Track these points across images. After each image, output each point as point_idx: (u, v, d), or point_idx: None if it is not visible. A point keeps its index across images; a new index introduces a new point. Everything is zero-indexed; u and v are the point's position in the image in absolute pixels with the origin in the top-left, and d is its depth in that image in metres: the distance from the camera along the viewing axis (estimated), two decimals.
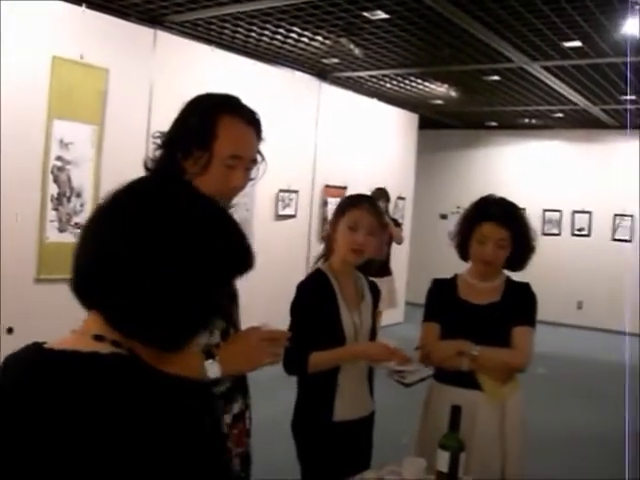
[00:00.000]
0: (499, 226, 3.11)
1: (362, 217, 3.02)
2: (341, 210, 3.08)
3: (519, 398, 3.20)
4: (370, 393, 3.19)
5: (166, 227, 1.21)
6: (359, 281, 3.20)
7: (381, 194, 8.74)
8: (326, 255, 3.17)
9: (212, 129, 2.07)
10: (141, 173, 2.07)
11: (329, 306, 3.00)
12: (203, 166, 2.06)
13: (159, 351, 1.26)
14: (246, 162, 2.14)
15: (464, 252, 3.28)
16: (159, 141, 2.14)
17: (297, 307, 3.02)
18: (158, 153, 2.13)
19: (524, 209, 3.63)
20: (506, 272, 3.32)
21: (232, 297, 2.21)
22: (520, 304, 3.19)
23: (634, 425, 6.59)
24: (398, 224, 9.18)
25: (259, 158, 2.19)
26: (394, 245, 8.99)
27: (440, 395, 3.16)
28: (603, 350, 10.93)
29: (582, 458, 6.01)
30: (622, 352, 10.01)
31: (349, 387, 3.03)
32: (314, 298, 3.01)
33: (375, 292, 3.29)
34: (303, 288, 3.06)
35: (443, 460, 2.41)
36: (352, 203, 3.09)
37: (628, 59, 7.66)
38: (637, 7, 6.10)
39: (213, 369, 1.92)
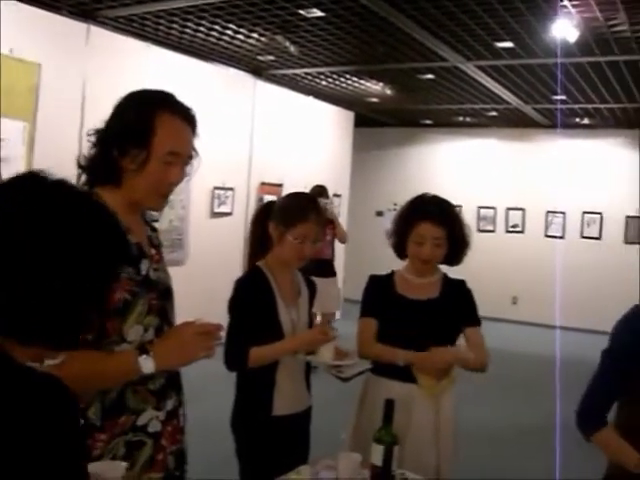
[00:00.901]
0: (435, 225, 3.15)
1: (310, 230, 3.03)
2: (288, 220, 3.03)
3: (453, 393, 3.24)
4: (307, 388, 3.20)
5: (36, 225, 1.20)
6: (295, 277, 3.21)
7: (321, 191, 8.64)
8: (259, 252, 3.17)
9: (150, 126, 2.05)
10: (74, 171, 2.05)
11: (267, 302, 3.01)
12: (141, 163, 2.05)
13: (41, 350, 1.26)
14: (184, 158, 2.13)
15: (401, 251, 3.30)
16: (93, 139, 2.11)
17: (235, 304, 3.03)
18: (93, 151, 2.11)
19: (460, 206, 3.67)
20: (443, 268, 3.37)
21: (166, 293, 2.20)
22: (462, 303, 3.26)
23: (564, 416, 6.73)
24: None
25: (194, 154, 2.19)
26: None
27: (376, 388, 3.18)
28: (537, 344, 11.16)
29: (516, 449, 6.13)
30: (555, 345, 10.24)
31: (287, 383, 3.04)
32: (252, 294, 3.02)
33: (311, 288, 3.30)
34: (241, 285, 3.06)
35: (377, 454, 2.43)
36: (300, 217, 3.02)
37: (558, 60, 7.82)
38: (566, 10, 6.23)
39: (147, 365, 1.92)
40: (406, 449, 2.84)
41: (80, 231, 1.25)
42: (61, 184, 1.30)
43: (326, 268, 8.23)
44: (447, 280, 3.32)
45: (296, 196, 3.34)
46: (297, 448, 3.11)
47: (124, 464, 1.58)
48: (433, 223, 3.15)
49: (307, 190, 9.60)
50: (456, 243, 3.25)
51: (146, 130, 2.05)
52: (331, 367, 2.99)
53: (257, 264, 3.12)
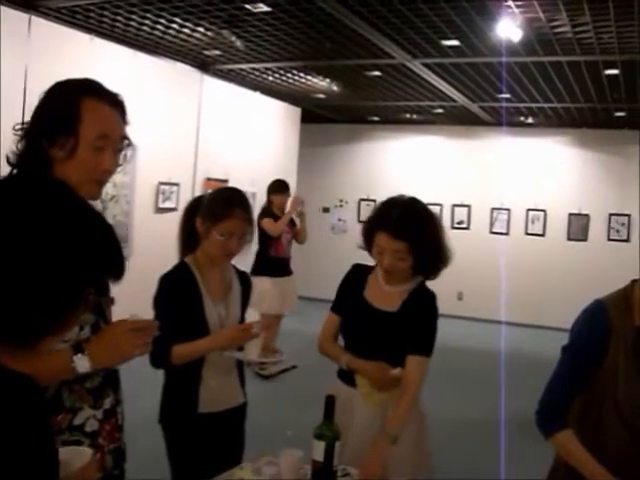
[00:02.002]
0: (393, 238, 2.90)
1: (236, 226, 3.01)
2: (214, 216, 3.01)
3: None
4: (241, 384, 3.19)
5: (17, 226, 1.19)
6: (227, 273, 3.18)
7: (281, 187, 8.35)
8: (189, 247, 3.15)
9: (76, 112, 2.03)
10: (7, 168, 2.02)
11: (192, 298, 3.00)
12: (70, 151, 2.02)
13: (13, 349, 1.23)
14: (114, 143, 2.09)
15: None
16: (20, 133, 2.07)
17: (159, 300, 3.02)
18: (20, 145, 2.07)
19: (440, 205, 3.29)
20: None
21: (103, 289, 2.17)
22: (419, 324, 3.00)
23: (510, 408, 6.84)
24: (294, 224, 8.49)
25: (126, 142, 2.15)
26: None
27: (330, 387, 3.10)
28: (482, 339, 11.36)
29: (463, 442, 6.23)
30: (500, 340, 10.41)
31: (214, 379, 3.03)
32: (176, 290, 3.00)
33: (245, 284, 3.28)
34: (165, 281, 3.05)
35: (319, 449, 2.44)
36: (226, 212, 3.01)
37: (503, 59, 7.92)
38: (510, 10, 6.30)
39: (82, 363, 1.89)
40: (349, 445, 2.85)
41: (68, 233, 1.24)
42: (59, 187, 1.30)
43: (284, 267, 8.20)
44: (417, 292, 3.07)
45: (223, 191, 3.33)
46: (230, 446, 3.10)
47: (90, 450, 1.55)
48: (391, 235, 2.91)
49: (255, 185, 9.61)
50: (426, 256, 2.98)
51: (72, 116, 2.02)
52: (256, 364, 2.99)
53: (184, 260, 3.11)
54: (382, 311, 3.04)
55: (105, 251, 1.32)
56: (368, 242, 3.06)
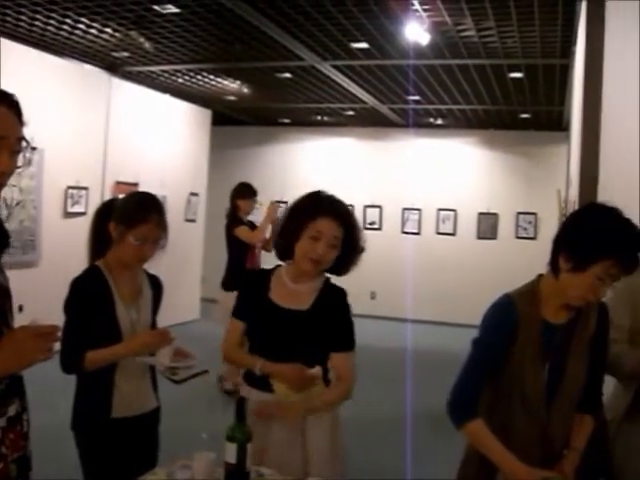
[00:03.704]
0: (336, 223, 2.90)
1: (151, 232, 2.97)
2: (129, 221, 2.95)
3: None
4: (154, 389, 3.15)
5: None
6: (138, 277, 3.15)
7: (248, 191, 7.61)
8: (99, 251, 3.10)
9: None
10: None
11: (104, 302, 2.95)
12: None
13: None
14: (10, 143, 2.02)
15: (286, 250, 3.00)
16: None
17: (70, 304, 2.96)
18: None
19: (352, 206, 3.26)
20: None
21: (4, 295, 2.11)
22: (336, 321, 2.98)
23: (420, 406, 6.95)
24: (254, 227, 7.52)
25: (24, 144, 2.09)
26: (185, 241, 8.60)
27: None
28: (395, 337, 11.50)
29: (376, 438, 6.31)
30: (412, 338, 10.58)
31: (127, 384, 2.99)
32: (88, 294, 2.95)
33: (157, 288, 3.24)
34: (76, 284, 2.99)
35: (231, 452, 2.43)
36: (141, 217, 2.95)
37: (411, 62, 8.05)
38: (418, 14, 6.41)
39: None
40: (269, 458, 2.82)
41: None
42: None
43: None
44: (326, 289, 3.02)
45: (138, 196, 3.27)
46: (144, 451, 3.07)
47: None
48: (333, 219, 2.90)
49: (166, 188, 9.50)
50: (350, 248, 2.99)
51: None
52: (166, 369, 2.95)
53: (95, 263, 3.06)
54: (293, 310, 2.97)
55: None
56: (295, 234, 2.94)
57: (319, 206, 2.95)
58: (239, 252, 7.23)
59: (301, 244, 2.91)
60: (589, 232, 2.40)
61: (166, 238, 3.10)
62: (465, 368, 2.57)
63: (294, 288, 3.00)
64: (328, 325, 2.95)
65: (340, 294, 3.03)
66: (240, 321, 3.05)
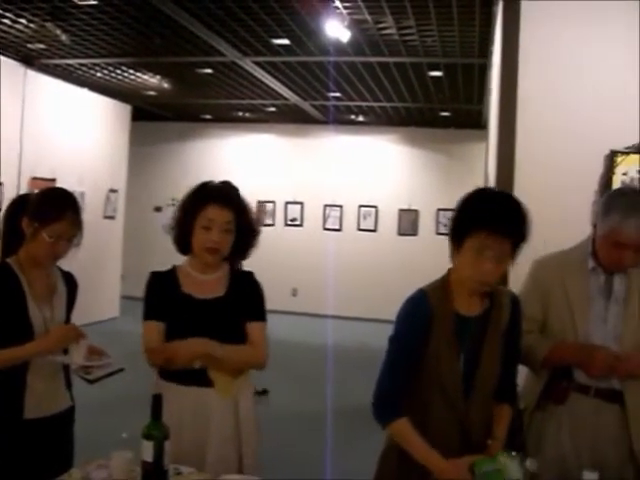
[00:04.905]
0: (224, 208, 2.93)
1: (66, 229, 2.91)
2: (43, 217, 2.88)
3: (250, 391, 3.10)
4: (67, 388, 3.09)
5: None
6: (52, 274, 3.08)
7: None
8: (11, 247, 3.02)
9: None
10: None
11: (15, 300, 2.88)
12: None
13: None
14: None
15: (185, 244, 3.02)
16: None
17: None
18: None
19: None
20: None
21: None
22: (249, 297, 3.05)
23: (343, 400, 7.00)
24: None
25: None
26: (104, 238, 8.47)
27: (168, 395, 2.71)
28: (316, 334, 11.54)
29: (299, 434, 6.31)
30: (334, 334, 10.64)
31: (40, 384, 2.92)
32: None
33: (71, 284, 3.18)
34: None
35: (147, 450, 2.39)
36: (55, 214, 2.88)
37: (331, 59, 8.08)
38: (338, 11, 6.43)
39: None
40: (210, 452, 2.81)
41: None
42: None
43: None
44: (234, 274, 3.10)
45: (53, 192, 3.19)
46: (58, 452, 3.00)
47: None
48: (221, 205, 2.93)
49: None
50: (244, 231, 3.03)
51: None
52: (80, 367, 2.90)
53: (6, 260, 2.98)
54: (210, 299, 2.99)
55: None
56: (188, 225, 2.96)
57: (206, 195, 2.98)
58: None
59: (196, 236, 2.94)
60: (461, 208, 2.53)
61: (81, 236, 3.03)
62: (384, 367, 2.58)
63: (204, 279, 3.02)
64: (244, 304, 3.01)
65: (249, 275, 3.10)
66: (157, 322, 2.97)
